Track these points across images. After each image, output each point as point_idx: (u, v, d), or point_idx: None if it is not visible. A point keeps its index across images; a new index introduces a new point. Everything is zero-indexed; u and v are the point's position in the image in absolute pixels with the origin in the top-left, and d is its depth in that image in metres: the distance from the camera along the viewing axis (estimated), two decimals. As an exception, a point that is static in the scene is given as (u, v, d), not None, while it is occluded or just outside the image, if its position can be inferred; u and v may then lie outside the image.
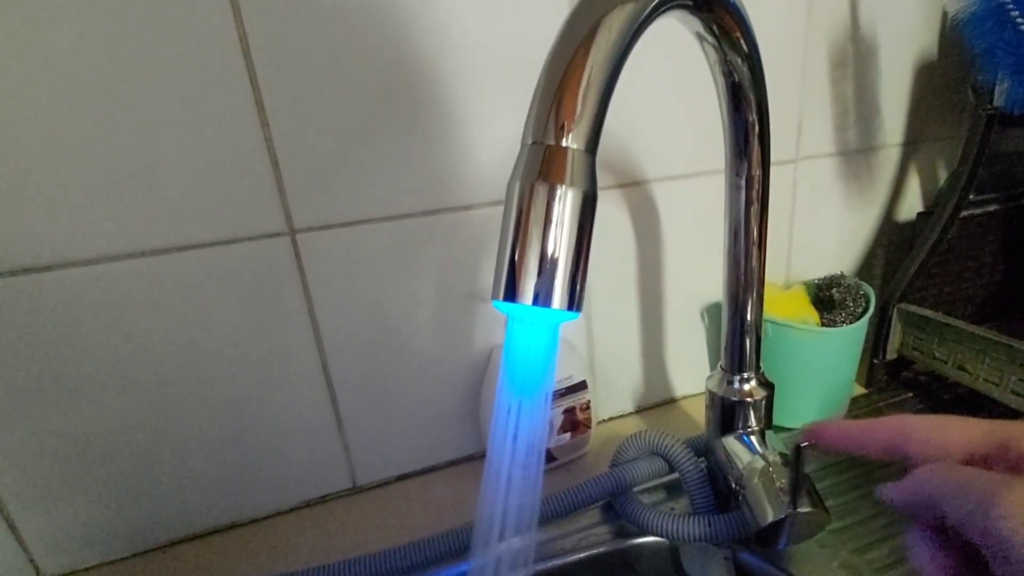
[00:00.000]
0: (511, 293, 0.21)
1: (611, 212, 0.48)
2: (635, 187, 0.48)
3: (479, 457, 0.50)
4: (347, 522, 0.44)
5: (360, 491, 0.47)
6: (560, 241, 0.21)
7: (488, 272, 0.45)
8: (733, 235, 0.36)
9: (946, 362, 0.52)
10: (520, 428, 0.23)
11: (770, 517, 0.33)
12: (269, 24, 0.35)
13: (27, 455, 0.37)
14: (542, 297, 0.21)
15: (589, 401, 0.47)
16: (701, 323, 0.55)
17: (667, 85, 0.46)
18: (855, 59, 0.54)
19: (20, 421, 0.36)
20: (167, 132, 0.35)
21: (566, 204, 0.21)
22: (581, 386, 0.46)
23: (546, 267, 0.21)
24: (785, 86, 0.51)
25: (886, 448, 0.24)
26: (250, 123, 0.36)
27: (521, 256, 0.21)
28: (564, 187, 0.20)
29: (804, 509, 0.33)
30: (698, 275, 0.53)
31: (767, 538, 0.34)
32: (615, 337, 0.52)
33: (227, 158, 0.36)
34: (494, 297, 0.22)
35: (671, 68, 0.46)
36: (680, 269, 0.52)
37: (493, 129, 0.42)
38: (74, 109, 0.33)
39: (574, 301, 0.21)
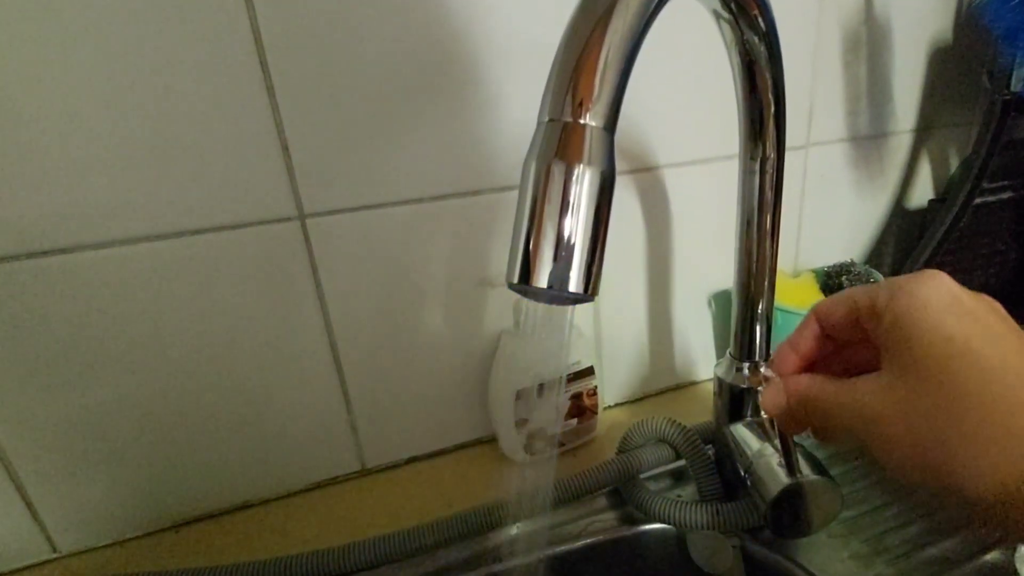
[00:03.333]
0: (526, 276, 0.21)
1: (621, 197, 0.47)
2: (646, 172, 0.47)
3: (487, 441, 0.50)
4: (356, 504, 0.44)
5: (369, 473, 0.47)
6: (577, 223, 0.20)
7: (498, 257, 0.45)
8: (746, 222, 0.35)
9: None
10: None
11: (773, 491, 0.33)
12: (281, 11, 0.34)
13: (45, 434, 0.37)
14: (557, 280, 0.20)
15: (596, 387, 0.47)
16: (708, 310, 0.55)
17: (681, 70, 0.45)
18: (868, 43, 0.53)
19: (37, 400, 0.36)
20: (177, 118, 0.34)
21: (583, 184, 0.20)
22: (588, 372, 0.46)
23: (562, 250, 0.20)
24: (797, 70, 0.51)
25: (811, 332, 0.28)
26: (260, 108, 0.36)
27: (537, 238, 0.20)
28: (582, 166, 0.20)
29: (808, 477, 0.32)
30: (707, 262, 0.53)
31: (782, 525, 0.34)
32: (623, 323, 0.52)
33: (237, 143, 0.36)
34: (508, 280, 0.21)
35: (685, 52, 0.45)
36: (689, 255, 0.52)
37: (504, 113, 0.41)
38: (87, 94, 0.33)
39: (590, 285, 0.21)
